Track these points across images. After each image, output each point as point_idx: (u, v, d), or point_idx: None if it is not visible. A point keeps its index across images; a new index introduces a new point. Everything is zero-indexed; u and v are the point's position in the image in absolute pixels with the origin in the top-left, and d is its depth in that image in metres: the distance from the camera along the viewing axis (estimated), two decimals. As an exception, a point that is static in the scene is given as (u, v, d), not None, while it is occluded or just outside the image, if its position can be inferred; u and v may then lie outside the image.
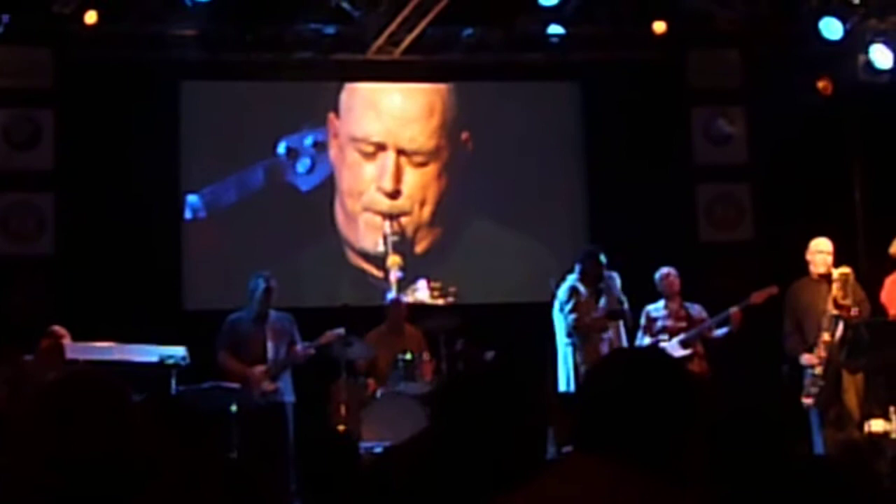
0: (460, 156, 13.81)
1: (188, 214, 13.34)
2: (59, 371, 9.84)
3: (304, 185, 13.45)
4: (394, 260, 13.34)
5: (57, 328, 10.55)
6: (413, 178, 13.62)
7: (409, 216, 13.59)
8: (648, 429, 2.82)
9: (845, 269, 10.65)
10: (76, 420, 3.01)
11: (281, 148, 13.30)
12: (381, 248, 13.45)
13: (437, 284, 13.55)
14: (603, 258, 11.11)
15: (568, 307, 10.92)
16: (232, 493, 4.65)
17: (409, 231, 13.60)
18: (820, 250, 10.84)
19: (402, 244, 13.52)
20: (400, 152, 13.61)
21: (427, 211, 13.60)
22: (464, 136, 13.81)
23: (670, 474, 2.81)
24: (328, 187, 13.56)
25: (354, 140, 13.58)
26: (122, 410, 3.11)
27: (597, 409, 2.89)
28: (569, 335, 10.90)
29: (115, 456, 3.00)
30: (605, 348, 10.81)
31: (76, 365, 10.11)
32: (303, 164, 13.37)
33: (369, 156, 13.58)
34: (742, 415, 4.24)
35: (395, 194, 13.53)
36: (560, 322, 11.08)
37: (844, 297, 10.53)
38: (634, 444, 2.81)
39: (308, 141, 13.42)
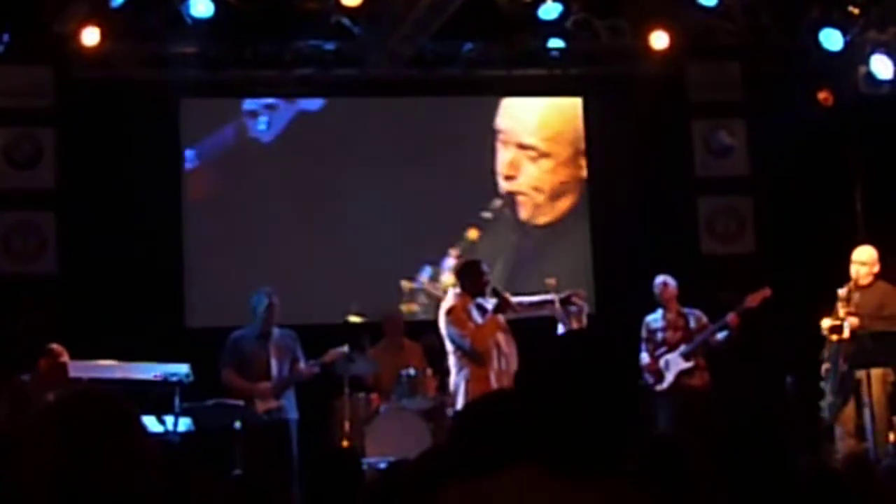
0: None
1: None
2: (62, 390, 9.87)
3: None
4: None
5: (55, 347, 10.52)
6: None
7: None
8: (588, 430, 2.74)
9: (850, 284, 10.61)
10: (80, 439, 2.99)
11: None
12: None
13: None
14: (485, 268, 10.40)
15: (455, 324, 10.11)
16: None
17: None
18: (853, 260, 10.78)
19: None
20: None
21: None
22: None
23: (618, 478, 2.75)
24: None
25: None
26: (129, 429, 3.09)
27: (529, 414, 2.81)
28: (462, 351, 10.23)
29: (122, 477, 2.97)
30: (498, 363, 10.21)
31: (80, 383, 10.11)
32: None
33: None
34: (746, 427, 4.22)
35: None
36: (450, 337, 10.28)
37: (844, 308, 10.48)
38: (576, 449, 2.74)
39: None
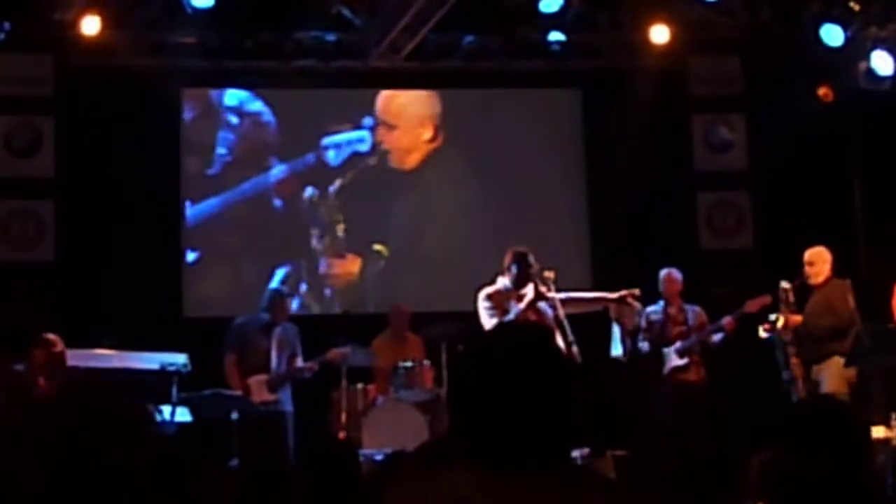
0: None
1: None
2: (61, 379, 9.89)
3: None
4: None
5: (51, 336, 10.44)
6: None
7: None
8: (517, 427, 2.64)
9: (785, 284, 10.66)
10: (82, 434, 2.97)
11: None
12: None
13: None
14: (532, 259, 10.33)
15: (492, 312, 10.18)
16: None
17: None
18: (803, 262, 10.83)
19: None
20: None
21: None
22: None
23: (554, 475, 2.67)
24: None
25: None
26: (132, 426, 3.08)
27: (465, 413, 2.72)
28: None
29: (124, 473, 2.96)
30: None
31: (77, 373, 10.11)
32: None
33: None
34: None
35: None
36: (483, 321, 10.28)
37: (783, 306, 10.55)
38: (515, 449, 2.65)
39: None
